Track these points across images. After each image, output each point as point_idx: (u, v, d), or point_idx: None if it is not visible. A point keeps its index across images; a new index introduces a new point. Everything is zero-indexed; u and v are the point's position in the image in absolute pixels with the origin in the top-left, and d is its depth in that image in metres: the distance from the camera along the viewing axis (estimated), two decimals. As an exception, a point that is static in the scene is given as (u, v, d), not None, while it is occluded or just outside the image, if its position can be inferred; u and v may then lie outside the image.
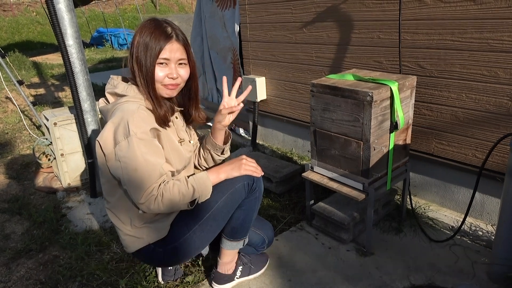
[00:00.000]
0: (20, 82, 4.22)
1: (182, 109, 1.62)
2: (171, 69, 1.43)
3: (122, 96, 1.44)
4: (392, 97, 1.84)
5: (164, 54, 1.40)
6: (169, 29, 1.42)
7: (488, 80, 1.94)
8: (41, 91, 6.60)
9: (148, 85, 1.42)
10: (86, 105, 2.55)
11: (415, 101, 2.12)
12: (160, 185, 1.39)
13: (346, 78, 2.00)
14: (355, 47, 2.52)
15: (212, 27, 4.32)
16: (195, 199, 1.45)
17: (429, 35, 2.10)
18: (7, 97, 5.52)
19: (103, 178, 1.52)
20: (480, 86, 1.97)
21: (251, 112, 3.52)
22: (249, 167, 1.55)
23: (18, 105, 4.62)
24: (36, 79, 7.72)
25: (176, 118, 1.59)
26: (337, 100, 1.89)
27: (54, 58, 11.74)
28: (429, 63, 2.14)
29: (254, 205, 1.61)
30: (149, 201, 1.37)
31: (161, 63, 1.42)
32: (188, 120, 1.67)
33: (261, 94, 3.33)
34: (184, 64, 1.48)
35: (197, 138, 1.79)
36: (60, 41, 2.36)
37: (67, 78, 2.46)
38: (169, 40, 1.40)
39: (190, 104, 1.63)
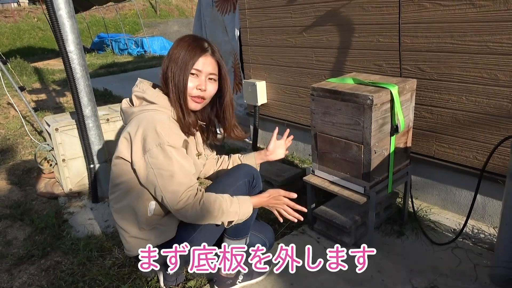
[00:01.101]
0: (22, 88, 4.23)
1: (204, 123, 1.66)
2: (200, 81, 1.48)
3: (150, 102, 1.46)
4: (392, 100, 1.84)
5: (197, 65, 1.45)
6: (205, 44, 1.48)
7: (488, 82, 1.94)
8: (43, 96, 6.63)
9: (179, 94, 1.46)
10: (87, 110, 2.56)
11: (416, 104, 2.13)
12: (196, 193, 1.43)
13: (346, 82, 2.00)
14: (355, 50, 2.52)
15: (213, 31, 4.34)
16: (233, 221, 1.49)
17: (429, 38, 2.10)
18: (8, 103, 5.55)
19: (115, 181, 1.53)
20: (480, 88, 1.98)
21: (252, 116, 3.53)
22: (289, 212, 1.59)
23: (19, 110, 4.63)
24: (37, 85, 7.75)
25: (197, 130, 1.63)
26: (338, 104, 1.89)
27: (55, 64, 11.80)
28: (429, 66, 2.15)
29: None
30: (185, 208, 1.40)
31: (193, 74, 1.46)
32: (209, 136, 1.72)
33: (262, 98, 3.34)
34: (214, 80, 1.53)
35: (209, 152, 1.86)
36: (61, 47, 2.38)
37: (69, 83, 2.48)
38: (204, 53, 1.46)
39: (220, 121, 1.67)
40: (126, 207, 1.52)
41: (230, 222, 1.50)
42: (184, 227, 1.56)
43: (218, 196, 1.46)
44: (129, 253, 1.60)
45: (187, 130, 1.50)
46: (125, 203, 1.52)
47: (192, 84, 1.47)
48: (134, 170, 1.45)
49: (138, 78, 1.57)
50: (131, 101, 1.54)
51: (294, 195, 1.58)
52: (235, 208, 1.48)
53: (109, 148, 2.88)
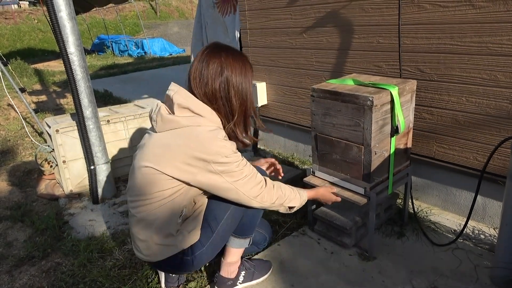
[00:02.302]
0: (22, 90, 4.24)
1: None
2: None
3: (197, 114, 1.43)
4: (392, 102, 1.85)
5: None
6: (249, 61, 1.55)
7: (488, 83, 1.95)
8: (43, 98, 6.63)
9: (247, 119, 1.59)
10: (88, 112, 2.57)
11: (416, 105, 2.13)
12: (266, 180, 1.56)
13: (346, 83, 2.01)
14: (355, 51, 2.53)
15: (214, 32, 4.35)
16: (294, 206, 1.67)
17: (429, 39, 2.11)
18: (9, 104, 5.55)
19: (146, 190, 1.46)
20: (480, 89, 1.98)
21: (252, 117, 3.53)
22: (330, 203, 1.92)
23: (20, 112, 4.64)
24: (37, 86, 7.76)
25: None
26: (338, 105, 1.89)
27: (56, 65, 11.82)
28: (429, 67, 2.15)
29: None
30: (262, 194, 1.52)
31: None
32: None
33: (262, 99, 3.34)
34: None
35: None
36: (62, 48, 2.38)
37: (69, 85, 2.48)
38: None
39: None
40: (157, 215, 1.48)
41: (291, 208, 1.67)
42: (203, 230, 1.58)
43: (285, 185, 1.65)
44: (149, 259, 1.58)
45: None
46: (157, 211, 1.47)
47: None
48: (175, 181, 1.43)
49: (173, 84, 1.50)
50: (171, 109, 1.47)
51: (334, 189, 1.95)
52: (297, 195, 1.67)
53: (109, 149, 2.88)
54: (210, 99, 1.46)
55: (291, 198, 1.63)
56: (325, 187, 1.92)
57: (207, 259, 1.64)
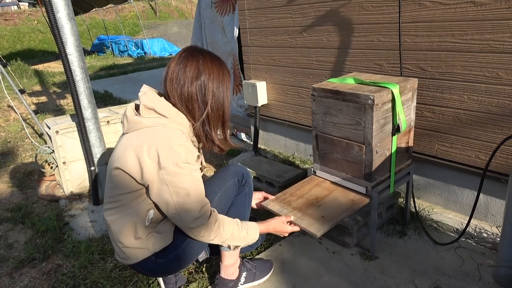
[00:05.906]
0: (22, 91, 4.23)
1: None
2: None
3: (161, 115, 1.41)
4: (393, 100, 1.83)
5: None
6: (227, 68, 1.53)
7: (489, 81, 1.93)
8: (43, 99, 6.63)
9: (225, 124, 1.54)
10: (87, 112, 2.56)
11: (417, 103, 2.12)
12: (211, 213, 1.45)
13: (347, 82, 2.00)
14: (355, 50, 2.52)
15: (212, 33, 4.34)
16: (239, 245, 1.57)
17: (430, 37, 2.10)
18: (9, 106, 5.55)
19: (114, 192, 1.46)
20: (482, 87, 1.97)
21: (253, 116, 3.52)
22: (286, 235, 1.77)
23: (20, 113, 4.64)
24: (37, 87, 7.76)
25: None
26: (339, 104, 1.88)
27: (56, 66, 11.82)
28: (430, 65, 2.14)
29: (245, 200, 1.71)
30: (199, 228, 1.42)
31: None
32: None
33: (262, 98, 3.33)
34: None
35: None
36: (61, 49, 2.37)
37: (68, 86, 2.47)
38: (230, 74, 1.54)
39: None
40: (124, 218, 1.47)
41: (236, 246, 1.56)
42: (178, 232, 1.53)
43: (231, 221, 1.53)
44: (125, 262, 1.55)
45: (208, 149, 1.54)
46: (123, 214, 1.46)
47: None
48: (136, 183, 1.40)
49: (144, 85, 1.51)
50: (136, 108, 1.48)
51: (291, 217, 1.76)
52: (244, 234, 1.54)
53: (109, 150, 2.87)
54: (185, 101, 1.43)
55: (234, 237, 1.52)
56: (278, 218, 1.71)
57: (185, 262, 1.57)
